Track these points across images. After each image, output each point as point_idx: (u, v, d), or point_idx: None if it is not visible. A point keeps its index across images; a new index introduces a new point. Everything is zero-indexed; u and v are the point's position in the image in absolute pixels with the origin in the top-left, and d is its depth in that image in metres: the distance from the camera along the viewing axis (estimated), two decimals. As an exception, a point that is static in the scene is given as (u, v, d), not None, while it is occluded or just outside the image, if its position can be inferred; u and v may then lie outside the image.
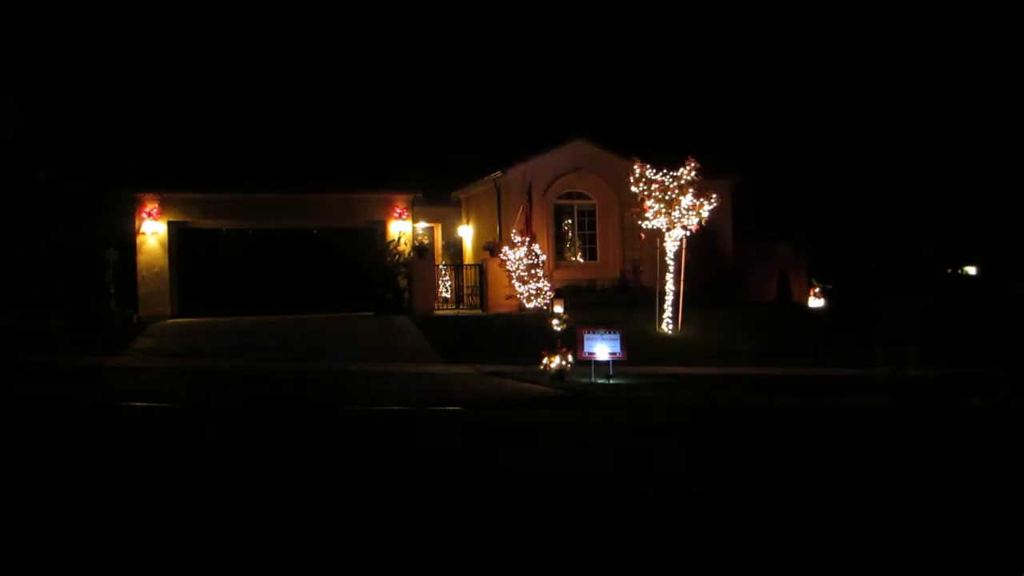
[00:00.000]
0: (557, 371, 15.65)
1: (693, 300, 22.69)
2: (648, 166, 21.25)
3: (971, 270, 32.32)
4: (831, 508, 7.39)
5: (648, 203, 21.35)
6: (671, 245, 21.46)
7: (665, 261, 21.75)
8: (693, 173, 21.06)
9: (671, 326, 21.16)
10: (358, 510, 7.06)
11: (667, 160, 21.31)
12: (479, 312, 24.59)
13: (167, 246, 23.85)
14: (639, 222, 22.06)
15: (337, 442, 10.29)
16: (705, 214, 21.60)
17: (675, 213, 21.14)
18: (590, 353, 15.88)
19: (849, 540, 6.43)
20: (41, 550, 5.99)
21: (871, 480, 8.57)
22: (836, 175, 30.72)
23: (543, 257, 24.27)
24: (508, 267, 24.00)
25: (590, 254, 25.90)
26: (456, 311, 25.07)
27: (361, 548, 6.13)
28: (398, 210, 25.25)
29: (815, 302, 24.42)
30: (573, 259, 25.81)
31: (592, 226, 25.81)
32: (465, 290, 26.02)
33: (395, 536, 6.38)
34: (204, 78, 33.26)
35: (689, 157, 21.11)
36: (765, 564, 5.94)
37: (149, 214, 23.73)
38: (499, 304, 24.36)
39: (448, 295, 26.39)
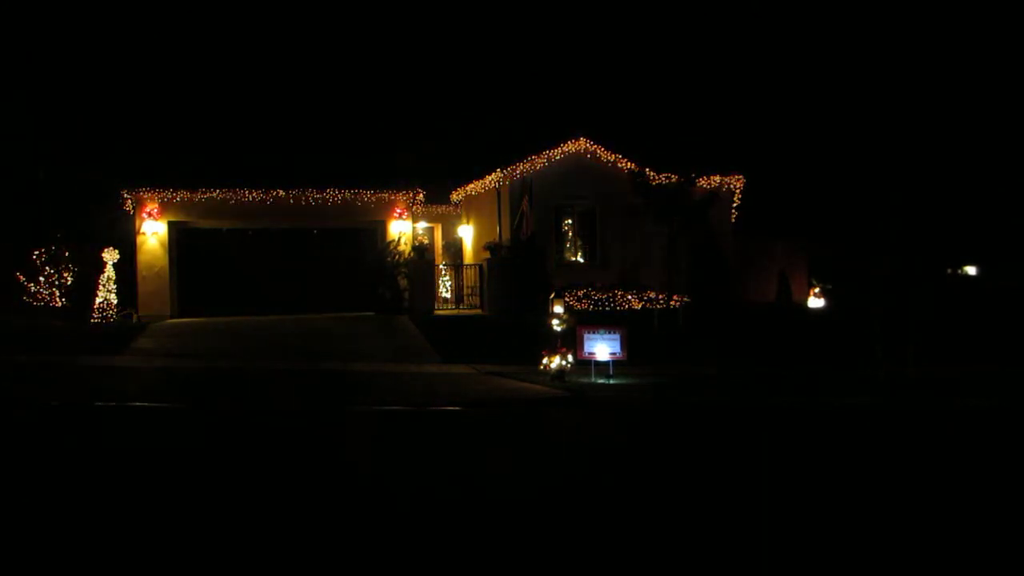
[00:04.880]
0: (557, 371, 15.67)
1: (693, 300, 22.70)
2: (649, 168, 21.28)
3: (971, 270, 32.31)
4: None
5: (648, 204, 21.39)
6: (670, 246, 21.48)
7: (665, 261, 21.77)
8: (693, 174, 21.10)
9: (671, 326, 21.16)
10: (346, 510, 7.06)
11: (668, 161, 21.33)
12: (479, 312, 24.58)
13: (167, 246, 23.86)
14: (639, 222, 22.10)
15: (336, 443, 10.29)
16: (705, 215, 21.64)
17: (675, 215, 21.16)
18: (590, 353, 15.90)
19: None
20: (41, 551, 6.00)
21: (858, 484, 8.57)
22: (836, 175, 30.71)
23: (543, 257, 24.22)
24: (508, 267, 23.95)
25: (590, 254, 25.88)
26: (456, 311, 25.06)
27: (348, 546, 6.14)
28: (398, 210, 25.26)
29: (815, 302, 24.40)
30: (573, 259, 25.78)
31: (592, 226, 25.76)
32: (465, 290, 26.00)
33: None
34: (205, 78, 33.26)
35: (693, 166, 21.15)
36: None
37: (149, 214, 23.74)
38: (499, 304, 24.32)
39: (448, 295, 26.38)
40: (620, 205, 24.71)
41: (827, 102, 34.64)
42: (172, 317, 23.37)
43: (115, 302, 22.62)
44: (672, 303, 22.25)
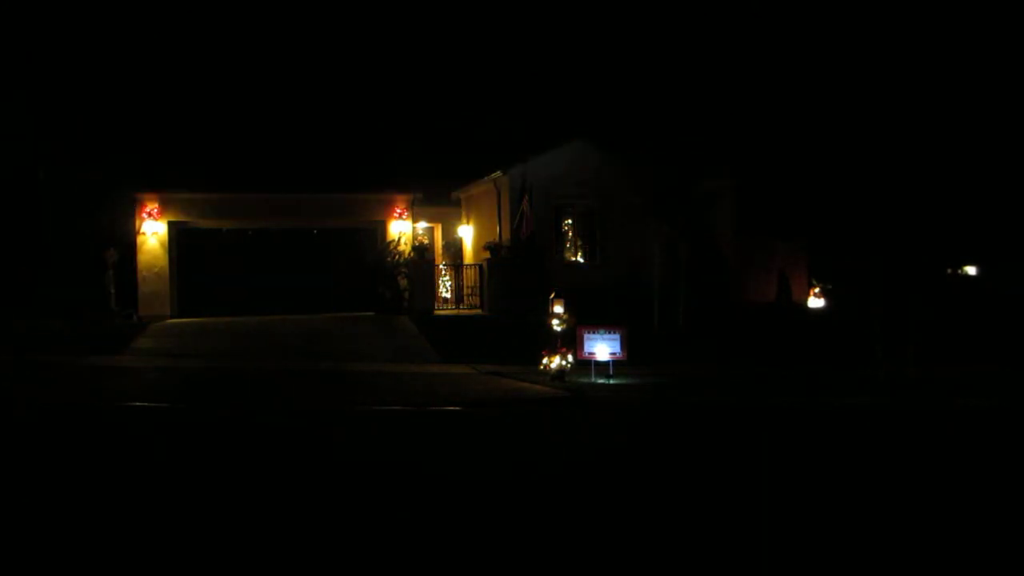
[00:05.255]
0: (557, 371, 15.67)
1: (693, 300, 22.68)
2: (649, 168, 21.27)
3: (971, 270, 32.30)
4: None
5: (648, 204, 21.39)
6: (670, 246, 21.47)
7: (665, 261, 21.75)
8: (693, 174, 21.10)
9: (671, 326, 21.15)
10: (345, 509, 7.07)
11: (668, 160, 21.32)
12: (479, 312, 24.58)
13: (167, 246, 23.87)
14: (639, 222, 22.09)
15: (336, 443, 10.29)
16: (705, 215, 21.63)
17: (675, 215, 21.16)
18: (590, 353, 15.90)
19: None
20: (42, 551, 6.00)
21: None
22: (836, 175, 30.69)
23: (543, 257, 24.21)
24: (508, 267, 23.94)
25: (590, 254, 25.86)
26: (456, 311, 25.06)
27: (347, 545, 6.14)
28: (398, 210, 25.26)
29: (815, 302, 24.40)
30: (573, 259, 25.77)
31: (592, 226, 25.75)
32: (465, 290, 25.99)
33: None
34: (204, 78, 33.23)
35: (693, 166, 21.15)
36: None
37: (149, 214, 23.74)
38: (499, 304, 24.31)
39: (448, 295, 26.37)
40: (620, 205, 24.69)
41: (828, 102, 34.61)
42: (172, 317, 23.38)
43: (115, 302, 22.62)
44: (672, 303, 22.22)
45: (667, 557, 6.09)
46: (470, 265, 26.61)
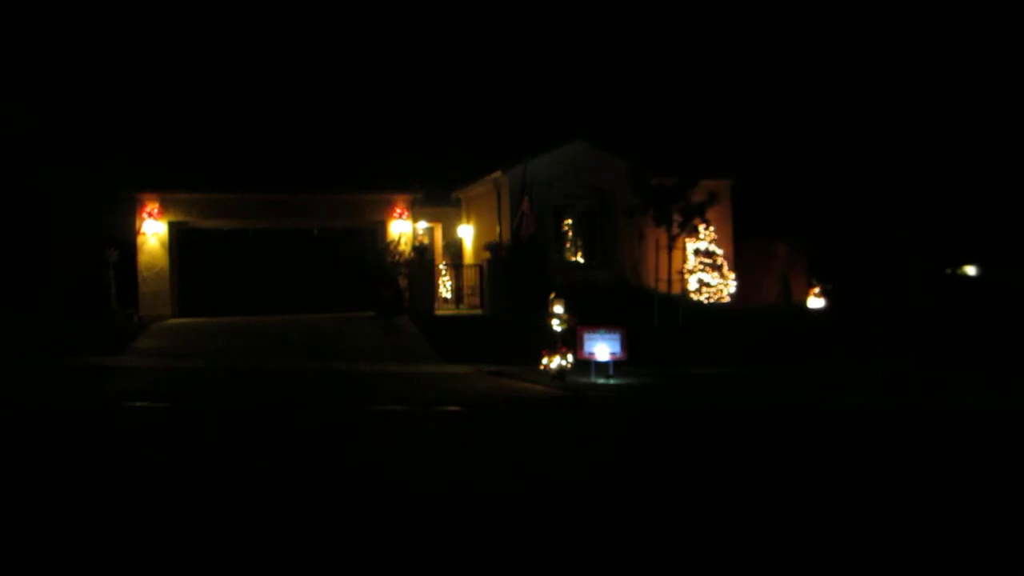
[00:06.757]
0: (557, 371, 15.68)
1: (693, 300, 22.73)
2: (649, 168, 21.29)
3: (971, 270, 32.29)
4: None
5: (648, 204, 21.40)
6: (670, 246, 21.49)
7: (665, 261, 21.76)
8: (693, 175, 21.12)
9: (672, 326, 21.16)
10: (342, 510, 7.08)
11: (668, 161, 21.33)
12: (479, 312, 24.59)
13: (167, 246, 23.88)
14: (639, 222, 22.08)
15: (335, 443, 10.31)
16: (705, 215, 21.65)
17: (675, 215, 21.18)
18: (590, 353, 15.89)
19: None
20: (42, 551, 6.01)
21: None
22: (835, 176, 30.70)
23: (543, 257, 24.23)
24: (508, 267, 23.96)
25: (590, 254, 25.89)
26: (456, 311, 25.07)
27: (344, 545, 6.15)
28: (398, 210, 25.28)
29: (815, 302, 24.42)
30: (573, 259, 25.79)
31: (592, 226, 25.79)
32: (465, 290, 26.00)
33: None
34: (204, 78, 33.25)
35: (693, 166, 21.19)
36: None
37: (149, 214, 23.75)
38: (499, 304, 24.32)
39: (448, 295, 26.38)
40: (620, 205, 24.69)
41: (828, 102, 34.63)
42: (173, 317, 23.39)
43: (116, 302, 22.62)
44: (672, 303, 22.25)
45: (667, 556, 6.10)
46: (470, 265, 26.61)
